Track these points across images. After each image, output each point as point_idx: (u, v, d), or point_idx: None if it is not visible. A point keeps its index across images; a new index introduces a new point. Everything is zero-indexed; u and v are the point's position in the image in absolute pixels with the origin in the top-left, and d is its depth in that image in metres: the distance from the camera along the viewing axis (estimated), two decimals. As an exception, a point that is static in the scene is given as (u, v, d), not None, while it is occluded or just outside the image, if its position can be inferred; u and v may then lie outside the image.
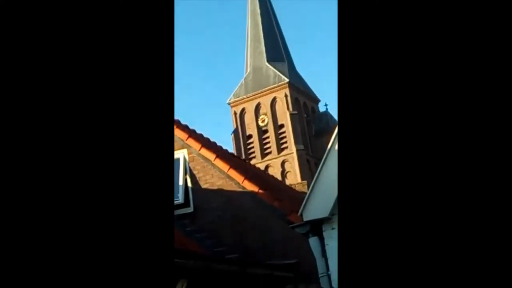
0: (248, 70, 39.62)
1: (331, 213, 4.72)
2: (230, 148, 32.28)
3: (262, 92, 37.85)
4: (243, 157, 31.67)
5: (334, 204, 4.72)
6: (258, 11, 40.70)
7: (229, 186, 8.33)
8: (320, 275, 4.81)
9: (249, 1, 41.64)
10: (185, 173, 8.61)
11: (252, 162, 28.46)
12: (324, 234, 4.83)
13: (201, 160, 8.61)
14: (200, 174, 8.57)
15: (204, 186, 8.48)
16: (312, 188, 4.96)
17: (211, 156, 8.59)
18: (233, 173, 8.38)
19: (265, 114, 37.54)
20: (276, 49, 39.94)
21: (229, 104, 39.14)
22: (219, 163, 8.51)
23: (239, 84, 39.59)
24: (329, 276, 4.72)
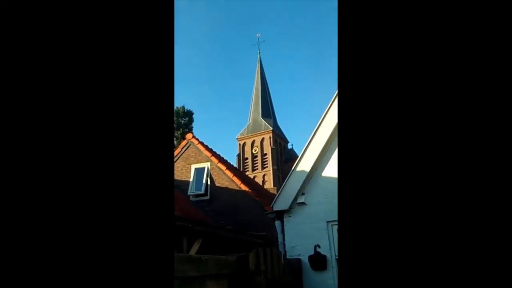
0: (250, 120, 41.02)
1: (290, 207, 4.82)
2: (235, 163, 33.23)
3: (257, 134, 39.29)
4: (241, 169, 32.33)
5: (292, 202, 4.84)
6: (260, 86, 42.64)
7: (232, 186, 8.44)
8: (279, 243, 4.83)
9: (255, 79, 43.62)
10: (207, 176, 8.70)
11: (246, 173, 28.81)
12: (284, 219, 4.84)
13: (217, 170, 8.74)
14: (216, 178, 8.68)
15: (217, 185, 8.59)
16: (280, 192, 5.05)
17: (223, 167, 8.75)
18: (235, 179, 8.52)
19: (257, 147, 38.62)
20: (267, 109, 41.55)
21: (237, 139, 40.75)
22: (228, 172, 8.67)
23: (244, 128, 41.11)
24: (284, 244, 4.76)
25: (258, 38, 44.50)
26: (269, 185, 31.95)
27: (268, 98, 42.62)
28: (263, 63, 45.06)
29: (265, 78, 43.74)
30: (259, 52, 45.21)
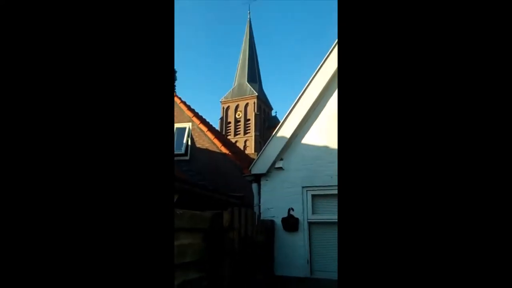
0: (235, 84, 40.29)
1: (267, 171, 4.92)
2: (217, 126, 34.06)
3: (241, 98, 38.80)
4: (223, 133, 32.46)
5: (270, 166, 4.95)
6: (248, 49, 41.54)
7: (213, 148, 8.45)
8: (254, 205, 4.95)
9: (243, 41, 42.42)
10: (187, 136, 8.69)
11: (228, 137, 28.83)
12: (261, 182, 4.94)
13: (199, 131, 8.71)
14: (197, 139, 8.65)
15: (198, 146, 8.60)
16: (259, 156, 5.12)
17: (204, 129, 8.71)
18: (216, 141, 8.52)
19: (241, 111, 38.40)
20: (253, 74, 40.75)
21: (221, 102, 39.80)
22: (209, 134, 8.64)
23: (229, 91, 40.30)
24: (259, 206, 4.88)
25: (250, -4, 42.73)
26: (250, 150, 32.25)
27: (255, 62, 41.69)
28: (253, 25, 43.77)
29: (254, 41, 42.55)
30: (249, 13, 43.68)
